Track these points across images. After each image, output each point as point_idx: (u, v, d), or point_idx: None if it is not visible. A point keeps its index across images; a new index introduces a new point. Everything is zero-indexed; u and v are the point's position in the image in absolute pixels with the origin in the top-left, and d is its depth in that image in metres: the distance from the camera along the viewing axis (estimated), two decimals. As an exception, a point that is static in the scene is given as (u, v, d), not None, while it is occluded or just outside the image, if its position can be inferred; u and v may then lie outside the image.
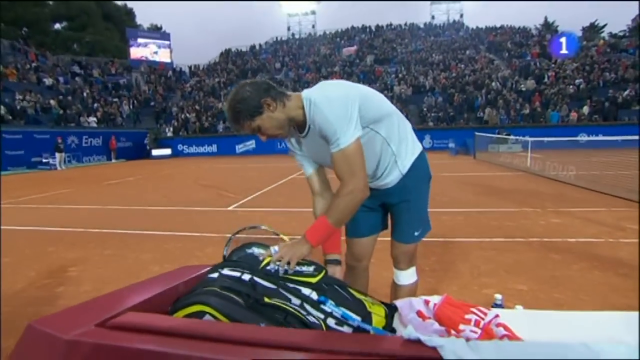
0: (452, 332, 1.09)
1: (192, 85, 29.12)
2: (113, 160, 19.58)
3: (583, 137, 12.82)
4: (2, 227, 4.94)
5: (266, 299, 1.09)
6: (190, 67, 32.90)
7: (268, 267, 1.24)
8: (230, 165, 15.33)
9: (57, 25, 42.22)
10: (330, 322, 1.15)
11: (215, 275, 1.20)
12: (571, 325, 1.18)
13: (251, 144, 21.88)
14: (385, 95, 1.56)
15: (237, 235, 1.65)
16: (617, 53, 23.95)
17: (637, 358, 0.71)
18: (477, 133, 15.03)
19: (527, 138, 11.36)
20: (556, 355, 0.73)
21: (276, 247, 1.36)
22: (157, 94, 27.14)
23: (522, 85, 22.21)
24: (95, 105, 22.41)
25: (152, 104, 25.98)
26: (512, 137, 15.82)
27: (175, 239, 4.29)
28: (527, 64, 24.50)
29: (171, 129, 23.33)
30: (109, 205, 6.75)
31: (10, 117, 16.62)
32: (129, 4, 50.29)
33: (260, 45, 37.10)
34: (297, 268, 1.25)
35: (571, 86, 21.08)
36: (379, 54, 29.89)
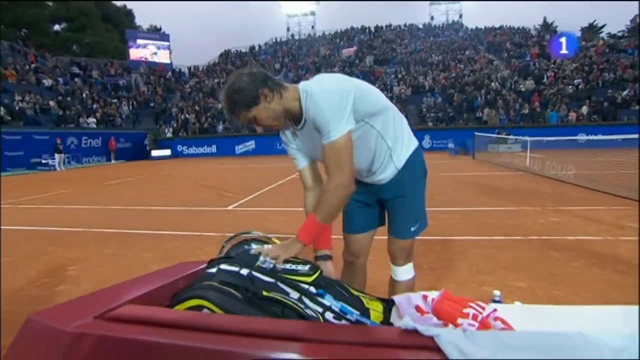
0: (450, 326, 1.09)
1: (192, 86, 29.14)
2: (112, 161, 19.58)
3: (582, 137, 12.81)
4: (1, 227, 4.94)
5: (264, 293, 1.09)
6: (189, 68, 32.92)
7: (263, 265, 1.25)
8: (229, 165, 15.33)
9: (57, 27, 42.25)
10: (329, 315, 1.15)
11: (214, 270, 1.21)
12: (569, 319, 1.18)
13: (251, 145, 21.89)
14: (385, 96, 1.55)
15: (231, 241, 1.65)
16: (616, 53, 23.99)
17: (634, 348, 0.71)
18: (476, 133, 15.04)
19: (527, 138, 11.38)
20: (553, 344, 0.74)
21: (270, 246, 1.38)
22: (157, 95, 27.15)
23: (522, 86, 22.24)
24: (95, 106, 22.42)
25: (152, 104, 25.98)
26: (511, 137, 15.83)
27: (174, 239, 4.30)
28: (527, 64, 24.55)
29: (171, 129, 23.33)
30: (108, 205, 6.75)
31: (9, 118, 16.62)
32: (129, 5, 50.40)
33: (259, 46, 37.13)
34: (293, 267, 1.25)
35: (570, 86, 21.12)
36: (379, 55, 29.92)
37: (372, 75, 25.85)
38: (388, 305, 1.30)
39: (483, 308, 1.19)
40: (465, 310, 1.17)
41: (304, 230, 1.32)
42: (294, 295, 1.16)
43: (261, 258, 1.27)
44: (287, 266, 1.26)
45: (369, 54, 30.17)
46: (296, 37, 39.91)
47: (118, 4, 47.14)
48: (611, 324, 1.06)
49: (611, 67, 21.88)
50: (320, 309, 1.14)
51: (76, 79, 25.17)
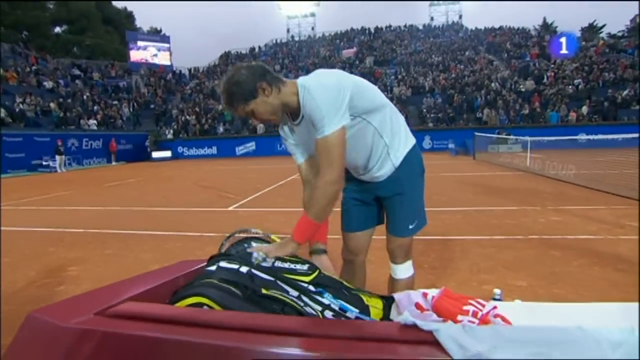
0: (450, 322, 1.09)
1: (192, 87, 29.20)
2: (113, 163, 19.60)
3: (583, 137, 12.80)
4: (2, 228, 4.95)
5: (264, 291, 1.09)
6: (190, 70, 32.99)
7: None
8: (230, 167, 15.34)
9: (58, 29, 42.34)
10: (328, 314, 1.16)
11: (214, 268, 1.21)
12: (569, 316, 1.18)
13: (251, 146, 21.91)
14: (385, 97, 1.55)
15: (229, 240, 1.65)
16: (616, 53, 24.00)
17: (632, 341, 0.71)
18: (476, 133, 15.04)
19: (527, 138, 11.38)
20: (552, 339, 0.74)
21: (266, 245, 1.38)
22: (157, 97, 27.19)
23: (522, 86, 22.24)
24: (96, 108, 22.45)
25: (152, 106, 26.02)
26: (511, 137, 15.84)
27: (175, 239, 4.30)
28: (526, 64, 24.56)
29: (171, 131, 23.37)
30: (109, 206, 6.76)
31: (10, 120, 16.65)
32: (129, 7, 50.52)
33: (259, 47, 37.18)
34: (292, 266, 1.25)
35: (570, 86, 21.12)
36: (379, 56, 29.95)
37: (372, 76, 25.85)
38: (388, 302, 1.30)
39: (483, 305, 1.19)
40: (465, 308, 1.17)
41: (298, 229, 1.32)
42: (294, 293, 1.16)
43: (254, 254, 1.27)
44: (286, 265, 1.26)
45: (369, 55, 30.20)
46: (296, 39, 39.95)
47: (118, 5, 47.32)
48: (611, 321, 1.06)
49: (611, 67, 21.88)
50: (319, 308, 1.15)
51: (77, 81, 25.20)
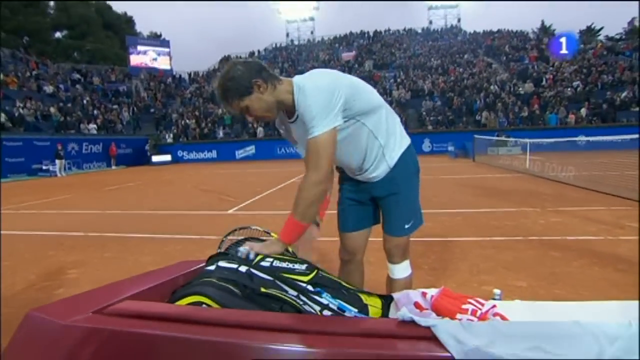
0: (448, 319, 1.09)
1: (192, 91, 29.28)
2: (113, 167, 19.61)
3: (582, 139, 12.83)
4: (2, 232, 4.94)
5: (262, 289, 1.09)
6: (189, 74, 33.09)
7: (263, 263, 1.25)
8: (230, 170, 15.35)
9: (58, 34, 42.61)
10: (327, 313, 1.15)
11: (213, 267, 1.21)
12: (568, 314, 1.18)
13: (251, 150, 21.94)
14: (385, 100, 1.55)
15: (229, 237, 1.65)
16: (614, 55, 24.10)
17: (629, 335, 0.71)
18: (476, 136, 15.07)
19: (526, 140, 11.39)
20: (550, 333, 0.74)
21: (254, 243, 1.38)
22: (157, 101, 27.27)
23: (520, 89, 22.32)
24: (96, 112, 22.51)
25: (152, 110, 26.09)
26: (511, 139, 15.87)
27: (175, 242, 4.30)
28: (525, 67, 24.67)
29: (171, 135, 23.40)
30: (109, 210, 6.75)
31: (10, 125, 16.68)
32: (129, 12, 50.72)
33: (259, 51, 37.32)
34: (290, 265, 1.25)
35: (569, 89, 21.19)
36: (378, 59, 30.07)
37: (372, 79, 25.91)
38: (387, 301, 1.30)
39: (482, 304, 1.19)
40: (464, 307, 1.17)
41: (284, 230, 1.32)
42: (292, 293, 1.16)
43: (240, 249, 1.27)
44: (284, 265, 1.26)
45: (368, 58, 30.32)
46: (295, 43, 40.15)
47: (118, 7, 47.54)
48: (610, 319, 1.06)
49: (609, 69, 21.98)
50: (318, 307, 1.14)
51: (77, 86, 25.29)
